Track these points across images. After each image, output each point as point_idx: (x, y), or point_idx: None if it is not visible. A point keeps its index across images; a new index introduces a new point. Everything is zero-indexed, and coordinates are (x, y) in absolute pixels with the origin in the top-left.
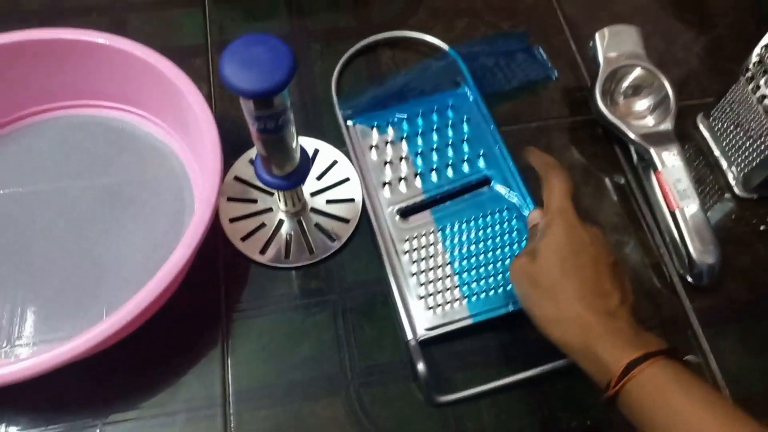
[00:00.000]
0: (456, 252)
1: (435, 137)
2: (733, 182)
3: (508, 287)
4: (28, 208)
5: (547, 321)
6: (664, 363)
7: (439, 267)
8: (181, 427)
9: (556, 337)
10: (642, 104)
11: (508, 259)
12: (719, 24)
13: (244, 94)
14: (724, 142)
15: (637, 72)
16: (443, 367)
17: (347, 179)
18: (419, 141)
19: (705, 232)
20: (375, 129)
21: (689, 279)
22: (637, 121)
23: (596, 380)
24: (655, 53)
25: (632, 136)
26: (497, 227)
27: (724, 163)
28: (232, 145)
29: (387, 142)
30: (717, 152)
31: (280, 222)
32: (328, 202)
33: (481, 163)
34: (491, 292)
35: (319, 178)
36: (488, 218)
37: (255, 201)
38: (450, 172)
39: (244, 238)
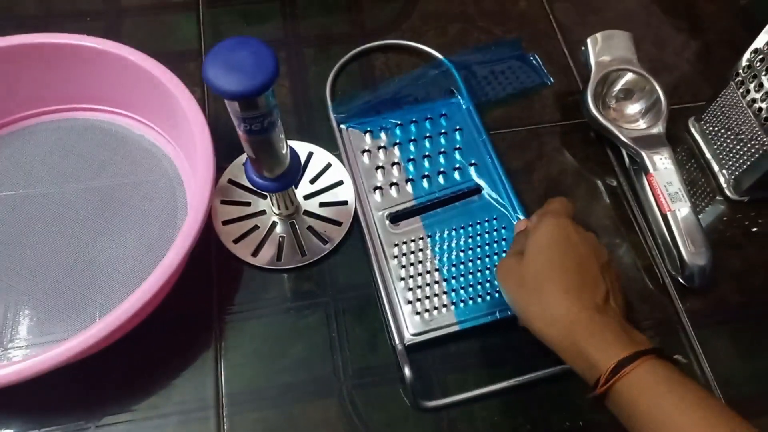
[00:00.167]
0: (445, 258)
1: (427, 145)
2: (724, 185)
3: (496, 295)
4: (22, 211)
5: (534, 318)
6: (654, 362)
7: (428, 273)
8: (174, 429)
9: (543, 334)
10: (633, 108)
11: (496, 268)
12: (709, 30)
13: (227, 96)
14: (715, 146)
15: (629, 76)
16: (431, 371)
17: (341, 182)
18: (411, 148)
19: (696, 234)
20: (368, 134)
21: (681, 281)
22: (628, 125)
23: (584, 378)
24: (646, 58)
25: (624, 139)
26: (486, 236)
27: (715, 166)
28: (226, 149)
29: (379, 148)
30: (708, 155)
31: (273, 224)
32: (322, 204)
33: (472, 172)
34: (479, 300)
35: (312, 181)
36: (477, 227)
37: (248, 204)
38: (441, 180)
39: (236, 241)
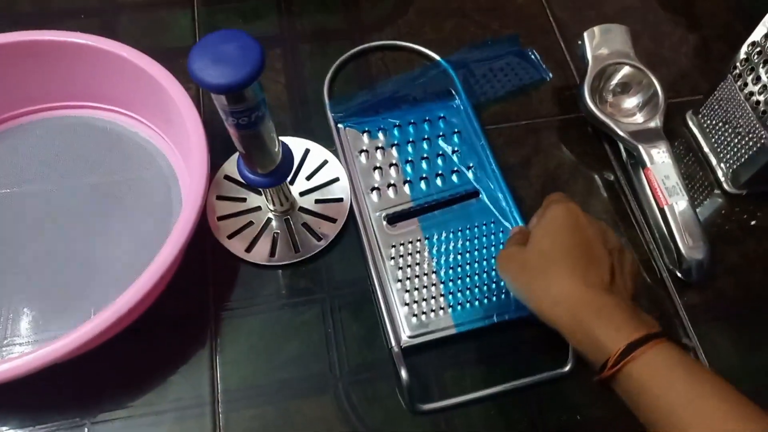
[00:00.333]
0: (442, 261)
1: (425, 147)
2: (722, 178)
3: (493, 299)
4: (16, 208)
5: (538, 299)
6: (666, 346)
7: (425, 275)
8: (170, 426)
9: (548, 315)
10: (631, 102)
11: (494, 271)
12: (706, 24)
13: (211, 89)
14: (713, 139)
15: (626, 70)
16: (428, 372)
17: (337, 179)
18: (409, 149)
19: (694, 228)
20: (366, 134)
21: (679, 275)
22: (625, 119)
23: (590, 360)
24: (643, 52)
25: (621, 133)
26: (484, 239)
27: (713, 160)
28: (223, 145)
29: (377, 148)
30: (706, 149)
31: (268, 220)
32: (317, 201)
33: (471, 175)
34: (476, 303)
35: (308, 178)
36: (475, 230)
37: (244, 200)
38: (439, 182)
39: (230, 236)
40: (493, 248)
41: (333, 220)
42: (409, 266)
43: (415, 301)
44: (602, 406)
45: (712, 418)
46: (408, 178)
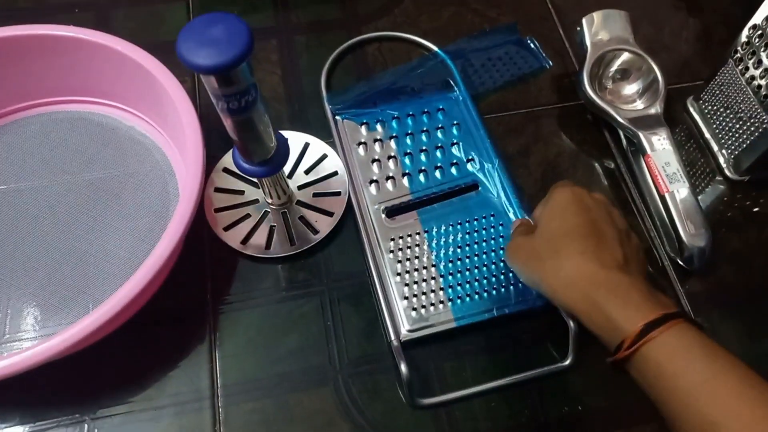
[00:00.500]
0: (441, 254)
1: (424, 139)
2: (723, 165)
3: (493, 292)
4: (12, 205)
5: (550, 284)
6: (684, 326)
7: (424, 268)
8: (170, 421)
9: (561, 298)
10: (630, 88)
11: (494, 265)
12: (707, 8)
13: (199, 70)
14: (715, 125)
15: (625, 56)
16: (428, 365)
17: (335, 173)
18: (408, 141)
19: (695, 215)
20: (364, 126)
21: (680, 263)
22: (625, 106)
23: (604, 341)
24: (643, 38)
25: (621, 120)
26: (483, 232)
27: (714, 146)
28: (222, 138)
29: (376, 140)
30: (707, 135)
31: (265, 213)
32: (315, 195)
33: (470, 167)
34: (476, 297)
35: (307, 172)
36: (475, 223)
37: (242, 192)
38: (438, 175)
39: (227, 228)
40: (492, 241)
41: (330, 214)
42: (408, 260)
43: (415, 295)
44: (604, 396)
45: (729, 398)
46: (407, 171)
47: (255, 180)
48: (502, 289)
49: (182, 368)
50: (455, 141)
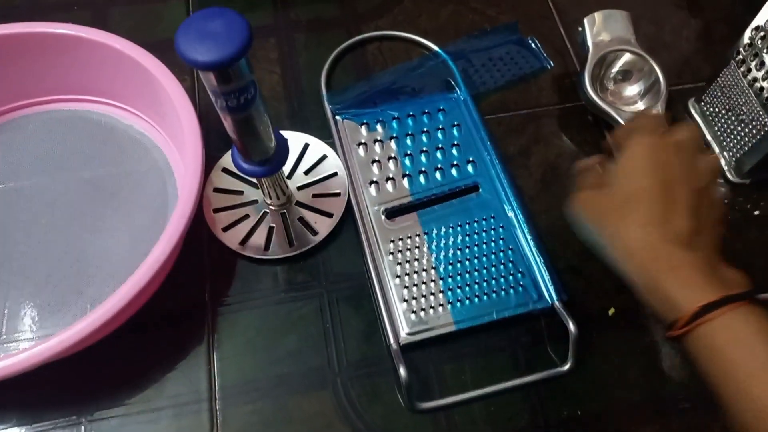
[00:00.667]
0: (441, 256)
1: (424, 140)
2: (725, 167)
3: (493, 295)
4: (10, 204)
5: (614, 253)
6: (747, 309)
7: (424, 271)
8: (168, 422)
9: (622, 269)
10: (632, 89)
11: (494, 267)
12: (709, 8)
13: (198, 66)
14: (716, 127)
15: (627, 57)
16: (428, 368)
17: (335, 174)
18: (408, 142)
19: None
20: (364, 126)
21: None
22: (627, 107)
23: (660, 315)
24: (645, 38)
25: (622, 122)
26: (483, 234)
27: (716, 148)
28: (221, 138)
29: (376, 141)
30: (709, 137)
31: (264, 214)
32: (315, 196)
33: (470, 169)
34: (476, 300)
35: (307, 172)
36: (475, 225)
37: (241, 192)
38: (438, 176)
39: (225, 229)
40: (493, 244)
41: (330, 215)
42: (407, 262)
43: (414, 298)
44: (604, 401)
45: None
46: (407, 172)
47: (254, 180)
48: (503, 292)
49: (180, 370)
50: (455, 142)
